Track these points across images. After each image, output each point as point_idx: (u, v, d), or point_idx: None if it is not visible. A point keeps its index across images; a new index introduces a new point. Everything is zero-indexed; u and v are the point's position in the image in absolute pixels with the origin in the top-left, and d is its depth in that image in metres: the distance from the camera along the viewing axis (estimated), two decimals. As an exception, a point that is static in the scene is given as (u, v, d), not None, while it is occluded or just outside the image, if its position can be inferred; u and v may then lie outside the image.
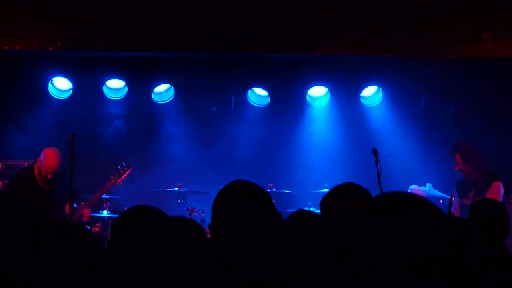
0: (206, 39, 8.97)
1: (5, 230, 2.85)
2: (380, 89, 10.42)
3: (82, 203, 8.41)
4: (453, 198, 8.23)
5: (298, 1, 8.86)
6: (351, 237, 3.08)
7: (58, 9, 8.72)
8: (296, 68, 10.02)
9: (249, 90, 10.46)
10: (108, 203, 9.05)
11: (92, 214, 8.50)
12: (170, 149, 10.14)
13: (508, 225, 4.61)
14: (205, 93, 10.37)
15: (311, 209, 9.29)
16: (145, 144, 10.27)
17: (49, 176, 8.07)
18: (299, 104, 10.49)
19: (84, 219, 8.12)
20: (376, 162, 7.53)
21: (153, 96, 10.33)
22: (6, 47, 8.86)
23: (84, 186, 8.92)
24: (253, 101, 10.54)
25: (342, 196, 3.52)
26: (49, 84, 10.08)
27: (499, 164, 8.92)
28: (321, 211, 3.60)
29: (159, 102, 10.41)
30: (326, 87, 10.39)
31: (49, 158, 8.05)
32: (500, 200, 7.71)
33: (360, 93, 10.38)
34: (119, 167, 8.86)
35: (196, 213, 8.96)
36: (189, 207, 9.05)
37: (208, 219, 8.50)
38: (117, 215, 6.89)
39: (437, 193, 9.55)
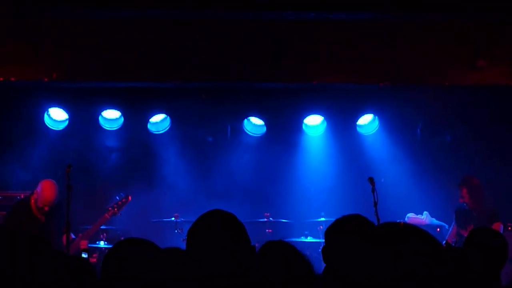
0: (201, 69, 8.99)
1: (5, 262, 2.84)
2: (376, 117, 10.43)
3: (80, 234, 8.35)
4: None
5: (294, 30, 8.91)
6: (352, 267, 3.12)
7: (53, 40, 8.77)
8: (292, 97, 10.04)
9: (245, 120, 10.47)
10: (105, 234, 9.00)
11: (89, 245, 8.43)
12: (167, 179, 10.13)
13: (507, 255, 4.58)
14: (201, 123, 10.37)
15: (308, 238, 9.27)
16: (142, 174, 10.25)
17: (46, 208, 8.01)
18: (295, 133, 10.49)
19: (82, 247, 8.06)
20: (373, 190, 7.51)
21: (149, 126, 10.32)
22: (1, 78, 8.85)
23: (81, 217, 8.85)
24: (249, 130, 10.54)
25: (345, 228, 3.54)
26: (45, 115, 10.07)
27: (496, 192, 8.91)
28: (325, 241, 3.63)
29: (155, 132, 10.39)
30: (322, 116, 10.41)
31: (46, 191, 7.98)
32: None
33: (356, 121, 10.39)
34: (117, 198, 8.80)
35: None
36: (186, 237, 8.97)
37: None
38: (113, 246, 6.84)
39: (434, 221, 9.54)
